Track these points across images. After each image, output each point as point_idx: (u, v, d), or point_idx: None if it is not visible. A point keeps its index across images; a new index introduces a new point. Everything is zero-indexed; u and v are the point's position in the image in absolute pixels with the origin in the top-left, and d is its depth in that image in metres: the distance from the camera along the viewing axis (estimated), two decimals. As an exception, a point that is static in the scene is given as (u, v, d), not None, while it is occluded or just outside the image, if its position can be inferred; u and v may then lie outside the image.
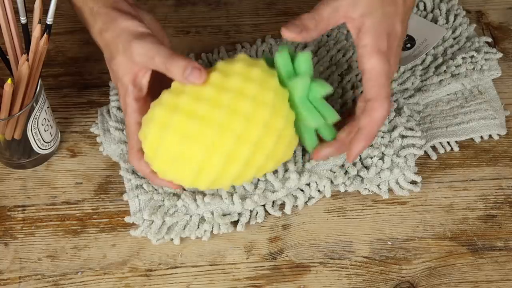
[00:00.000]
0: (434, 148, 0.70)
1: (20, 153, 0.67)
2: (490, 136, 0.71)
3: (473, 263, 0.63)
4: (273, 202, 0.65)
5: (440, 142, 0.70)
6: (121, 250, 0.64)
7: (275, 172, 0.64)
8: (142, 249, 0.64)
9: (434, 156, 0.69)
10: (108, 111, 0.70)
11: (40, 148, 0.67)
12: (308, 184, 0.66)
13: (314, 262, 0.63)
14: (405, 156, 0.66)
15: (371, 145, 0.66)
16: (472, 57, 0.73)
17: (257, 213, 0.64)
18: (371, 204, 0.67)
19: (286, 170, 0.64)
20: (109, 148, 0.68)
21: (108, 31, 0.59)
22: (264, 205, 0.65)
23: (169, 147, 0.54)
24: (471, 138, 0.71)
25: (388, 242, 0.64)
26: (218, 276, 0.62)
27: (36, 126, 0.65)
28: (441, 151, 0.70)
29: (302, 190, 0.66)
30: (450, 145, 0.70)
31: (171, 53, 0.56)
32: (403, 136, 0.66)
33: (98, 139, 0.70)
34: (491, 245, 0.64)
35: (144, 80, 0.58)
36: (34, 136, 0.66)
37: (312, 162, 0.64)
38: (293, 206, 0.65)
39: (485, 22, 0.80)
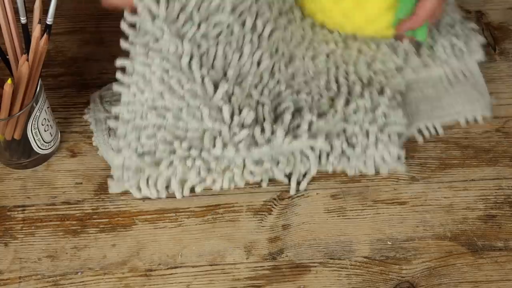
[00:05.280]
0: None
1: (20, 153, 0.67)
2: (475, 119, 0.72)
3: (473, 263, 0.63)
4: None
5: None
6: (121, 250, 0.64)
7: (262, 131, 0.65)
8: (142, 249, 0.64)
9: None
10: (101, 97, 0.71)
11: (40, 148, 0.67)
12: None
13: (314, 262, 0.63)
14: (388, 134, 0.67)
15: (355, 123, 0.67)
16: (451, 42, 0.74)
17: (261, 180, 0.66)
18: (371, 204, 0.67)
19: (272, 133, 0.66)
20: (106, 151, 0.69)
21: None
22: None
23: None
24: (470, 138, 0.71)
25: (388, 242, 0.64)
26: (218, 276, 0.62)
27: (36, 126, 0.65)
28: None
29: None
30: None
31: None
32: (385, 115, 0.68)
33: (90, 127, 0.70)
34: (491, 245, 0.64)
35: None
36: (34, 136, 0.66)
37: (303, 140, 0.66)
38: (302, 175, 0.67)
39: (485, 22, 0.80)
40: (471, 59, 0.73)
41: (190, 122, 0.64)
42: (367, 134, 0.67)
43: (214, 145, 0.64)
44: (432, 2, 0.68)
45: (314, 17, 0.74)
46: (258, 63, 0.68)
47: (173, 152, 0.65)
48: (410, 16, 0.69)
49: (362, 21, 0.71)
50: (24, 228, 0.65)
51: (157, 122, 0.64)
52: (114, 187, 0.66)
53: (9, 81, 0.60)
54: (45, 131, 0.66)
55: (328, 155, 0.67)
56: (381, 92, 0.69)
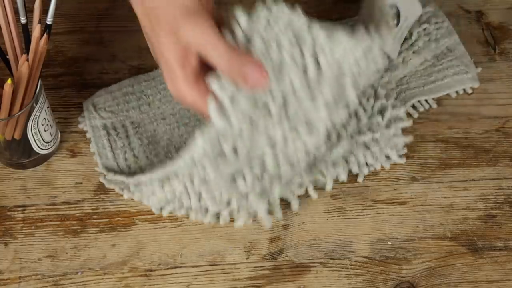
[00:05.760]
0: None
1: (20, 153, 0.67)
2: (464, 90, 0.74)
3: (473, 263, 0.63)
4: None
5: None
6: (121, 250, 0.64)
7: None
8: (142, 249, 0.64)
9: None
10: (94, 105, 0.70)
11: (40, 148, 0.67)
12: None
13: (314, 262, 0.63)
14: (396, 149, 0.68)
15: (368, 148, 0.68)
16: (425, 29, 0.76)
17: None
18: (371, 204, 0.67)
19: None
20: (107, 160, 0.68)
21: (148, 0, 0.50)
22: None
23: None
24: (470, 138, 0.71)
25: (388, 242, 0.64)
26: (218, 276, 0.62)
27: (36, 126, 0.65)
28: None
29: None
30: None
31: (227, 47, 0.49)
32: (391, 120, 0.68)
33: (87, 135, 0.70)
34: (491, 245, 0.64)
35: (195, 60, 0.52)
36: (34, 136, 0.66)
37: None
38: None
39: (485, 22, 0.80)
40: (443, 43, 0.76)
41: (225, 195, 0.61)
42: (376, 156, 0.68)
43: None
44: None
45: None
46: None
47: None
48: None
49: None
50: (24, 228, 0.65)
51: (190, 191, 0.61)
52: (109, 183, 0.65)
53: (9, 81, 0.60)
54: (45, 131, 0.66)
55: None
56: (376, 96, 0.70)
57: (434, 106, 0.73)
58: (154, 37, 0.52)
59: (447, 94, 0.74)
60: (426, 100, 0.73)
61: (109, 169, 0.67)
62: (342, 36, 0.54)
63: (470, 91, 0.74)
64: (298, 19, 0.53)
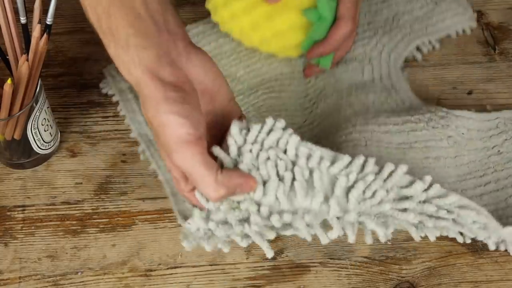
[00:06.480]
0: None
1: (20, 153, 0.67)
2: (463, 31, 0.79)
3: (473, 263, 0.63)
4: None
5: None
6: (121, 250, 0.64)
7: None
8: (142, 249, 0.64)
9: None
10: (117, 70, 0.70)
11: (40, 148, 0.67)
12: None
13: (314, 262, 0.63)
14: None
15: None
16: None
17: None
18: (371, 204, 0.67)
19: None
20: (139, 126, 0.69)
21: (149, 112, 0.51)
22: None
23: None
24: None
25: (388, 242, 0.64)
26: (218, 276, 0.62)
27: (36, 126, 0.65)
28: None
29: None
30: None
31: (214, 182, 0.51)
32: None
33: (114, 99, 0.71)
34: (491, 245, 0.64)
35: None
36: (34, 136, 0.66)
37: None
38: None
39: (485, 22, 0.80)
40: None
41: None
42: None
43: None
44: (346, 30, 0.70)
45: (224, 26, 0.73)
46: None
47: None
48: (323, 40, 0.70)
49: (269, 34, 0.71)
50: (24, 228, 0.65)
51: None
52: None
53: (9, 81, 0.60)
54: (45, 131, 0.66)
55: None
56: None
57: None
58: (158, 144, 0.54)
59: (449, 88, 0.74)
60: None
61: (142, 136, 0.68)
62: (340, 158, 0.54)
63: (469, 32, 0.78)
64: (290, 137, 0.53)
